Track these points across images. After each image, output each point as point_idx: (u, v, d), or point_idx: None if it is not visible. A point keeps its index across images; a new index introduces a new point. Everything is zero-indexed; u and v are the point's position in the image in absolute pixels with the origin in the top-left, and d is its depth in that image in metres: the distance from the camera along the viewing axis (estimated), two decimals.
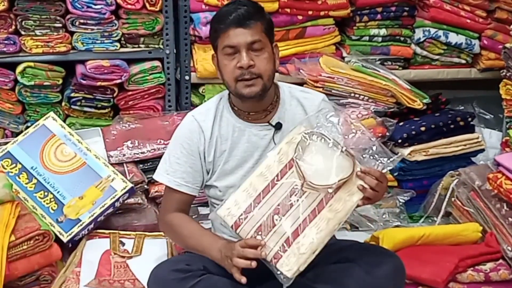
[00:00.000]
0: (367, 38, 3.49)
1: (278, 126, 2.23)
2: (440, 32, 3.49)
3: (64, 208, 2.70)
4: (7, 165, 2.79)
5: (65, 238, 2.64)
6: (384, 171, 2.05)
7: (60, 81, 3.22)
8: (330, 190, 2.01)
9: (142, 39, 3.27)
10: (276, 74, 2.32)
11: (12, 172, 2.77)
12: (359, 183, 2.01)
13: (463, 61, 3.61)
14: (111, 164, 2.91)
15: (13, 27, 3.12)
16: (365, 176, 2.02)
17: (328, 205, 2.01)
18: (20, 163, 2.79)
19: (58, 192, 2.73)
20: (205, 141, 2.25)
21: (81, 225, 2.66)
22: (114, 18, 3.19)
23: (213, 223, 2.39)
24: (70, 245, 2.65)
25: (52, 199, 2.72)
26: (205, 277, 2.07)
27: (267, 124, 2.24)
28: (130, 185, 2.79)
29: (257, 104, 2.22)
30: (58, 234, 2.63)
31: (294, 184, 2.04)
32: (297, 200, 2.03)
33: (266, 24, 2.16)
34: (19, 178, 2.76)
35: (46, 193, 2.73)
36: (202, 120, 2.26)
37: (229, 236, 2.24)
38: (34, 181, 2.75)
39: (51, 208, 2.69)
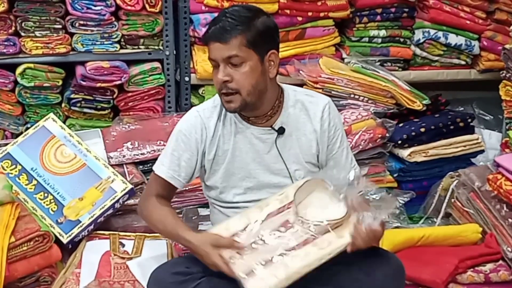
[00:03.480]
0: (366, 39, 3.49)
1: (281, 131, 2.22)
2: (440, 33, 3.50)
3: (64, 209, 2.70)
4: (7, 166, 2.79)
5: (65, 240, 2.64)
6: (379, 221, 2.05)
7: (60, 82, 3.22)
8: (317, 228, 2.03)
9: (142, 40, 3.28)
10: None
11: (12, 173, 2.77)
12: (351, 231, 2.02)
13: (463, 62, 3.61)
14: (111, 165, 2.92)
15: (13, 28, 3.12)
16: (358, 229, 2.02)
17: (314, 242, 2.02)
18: (20, 164, 2.79)
19: (58, 193, 2.73)
20: (207, 138, 2.24)
21: (81, 226, 2.67)
22: (114, 19, 3.19)
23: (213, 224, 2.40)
24: (70, 246, 2.65)
25: (52, 200, 2.72)
26: (204, 279, 2.06)
27: (270, 128, 2.23)
28: (130, 186, 2.79)
29: (251, 112, 2.21)
30: (58, 235, 2.63)
31: (286, 219, 2.07)
32: (285, 231, 2.04)
33: (251, 37, 2.08)
34: (19, 179, 2.76)
35: (46, 194, 2.73)
36: (206, 117, 2.25)
37: None
38: (34, 182, 2.75)
39: (51, 209, 2.69)
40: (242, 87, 2.11)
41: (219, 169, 2.26)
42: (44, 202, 2.71)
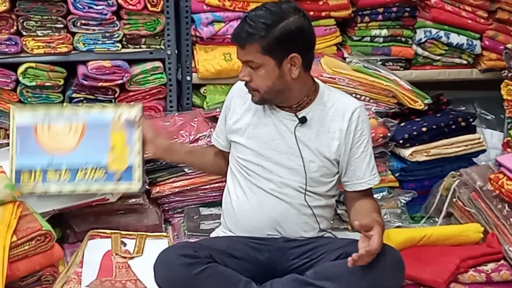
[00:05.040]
0: (368, 38, 3.49)
1: (302, 120, 2.29)
2: (442, 33, 3.49)
3: (109, 168, 2.60)
4: (28, 179, 2.62)
5: (137, 186, 2.58)
6: None
7: (62, 82, 3.22)
8: None
9: (143, 39, 3.28)
10: None
11: (39, 180, 2.61)
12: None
13: (465, 62, 3.61)
14: None
15: (15, 27, 3.12)
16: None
17: None
18: (36, 169, 2.63)
19: (90, 162, 2.61)
20: (231, 106, 2.42)
21: (138, 166, 2.58)
22: (115, 18, 3.19)
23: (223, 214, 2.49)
24: (146, 187, 2.67)
25: (93, 170, 2.60)
26: (211, 265, 2.13)
27: (294, 115, 2.30)
28: (139, 104, 2.67)
29: (276, 103, 2.32)
30: (129, 188, 2.58)
31: None
32: None
33: (267, 44, 2.16)
34: (49, 178, 2.61)
35: (84, 170, 2.61)
36: (241, 88, 2.36)
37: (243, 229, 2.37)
38: (63, 170, 2.61)
39: (100, 176, 2.59)
40: (259, 87, 2.23)
41: (239, 139, 2.38)
42: (89, 177, 2.59)
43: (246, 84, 2.26)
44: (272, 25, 2.15)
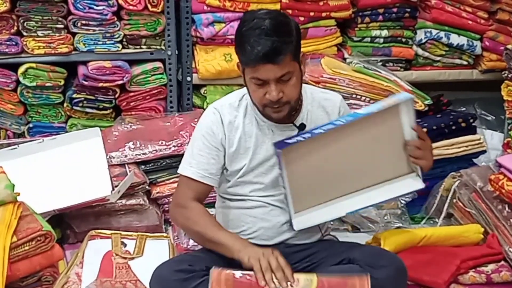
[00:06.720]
0: (368, 39, 3.49)
1: (301, 127, 2.24)
2: (442, 34, 3.49)
3: None
4: None
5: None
6: None
7: (62, 82, 3.22)
8: None
9: (144, 40, 3.28)
10: None
11: None
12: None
13: (465, 63, 3.61)
14: (112, 165, 2.92)
15: (15, 28, 3.13)
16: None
17: None
18: None
19: None
20: (225, 132, 2.24)
21: None
22: (116, 19, 3.19)
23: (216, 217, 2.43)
24: None
25: None
26: (207, 277, 2.07)
27: (291, 124, 2.24)
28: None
29: (294, 110, 2.23)
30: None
31: None
32: None
33: (294, 48, 2.09)
34: None
35: None
36: (223, 113, 2.25)
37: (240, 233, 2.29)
38: None
39: None
40: (291, 98, 2.13)
41: (239, 166, 2.26)
42: None
43: (274, 105, 2.11)
44: (290, 29, 2.09)
